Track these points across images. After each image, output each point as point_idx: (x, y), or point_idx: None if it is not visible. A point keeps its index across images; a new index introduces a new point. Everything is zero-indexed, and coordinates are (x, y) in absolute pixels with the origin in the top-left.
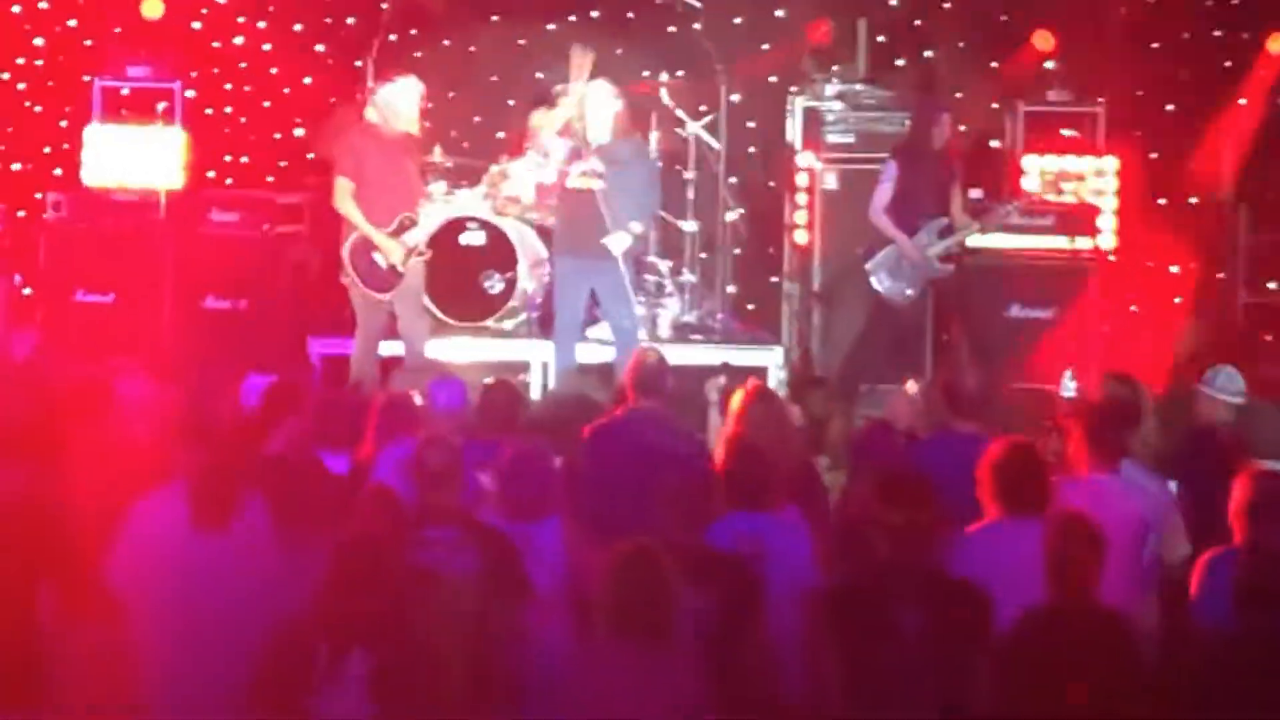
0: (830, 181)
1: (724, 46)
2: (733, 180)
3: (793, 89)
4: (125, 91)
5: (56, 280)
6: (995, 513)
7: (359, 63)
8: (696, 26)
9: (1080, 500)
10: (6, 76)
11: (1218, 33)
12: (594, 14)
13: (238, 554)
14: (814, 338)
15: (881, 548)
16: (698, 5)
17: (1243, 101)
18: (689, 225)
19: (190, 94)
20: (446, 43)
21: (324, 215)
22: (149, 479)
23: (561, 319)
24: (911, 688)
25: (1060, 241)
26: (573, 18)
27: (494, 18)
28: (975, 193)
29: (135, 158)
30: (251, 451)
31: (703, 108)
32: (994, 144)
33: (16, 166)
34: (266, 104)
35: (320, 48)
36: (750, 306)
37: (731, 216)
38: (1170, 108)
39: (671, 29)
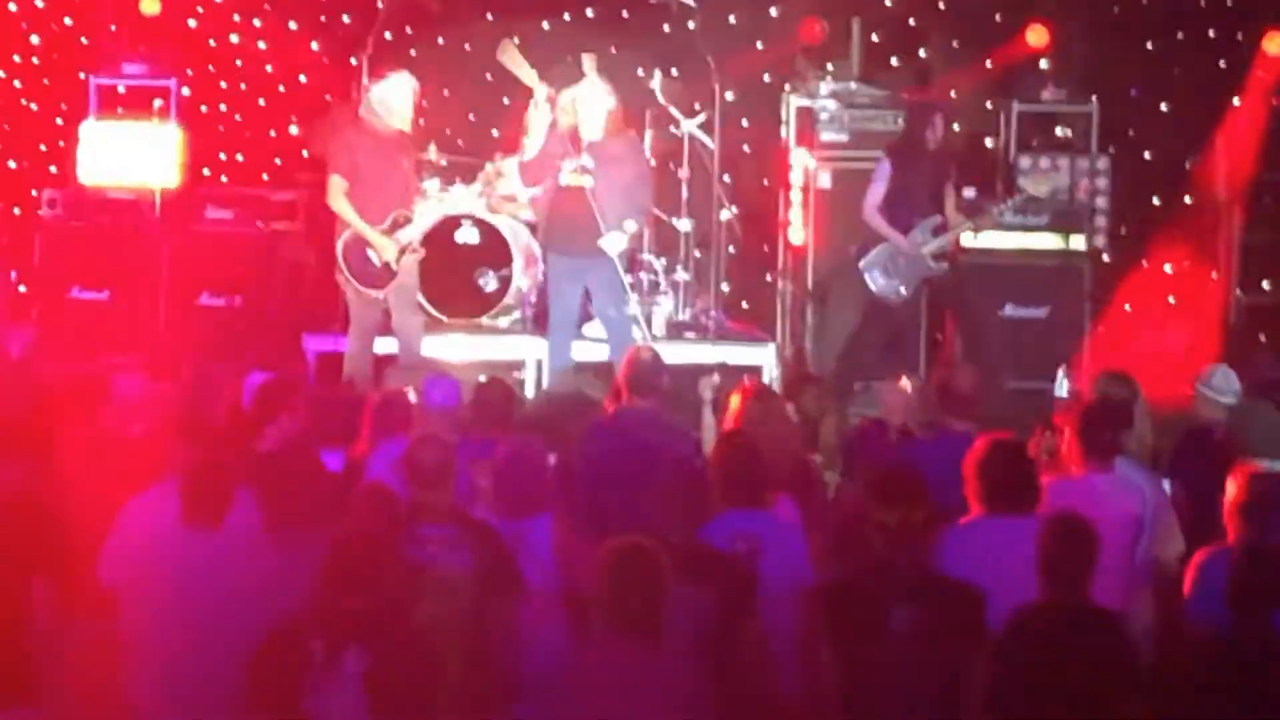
0: (824, 180)
1: (718, 45)
2: (727, 179)
3: (787, 88)
4: (121, 89)
5: (52, 277)
6: (978, 510)
7: (354, 60)
8: (691, 25)
9: (1073, 499)
10: (2, 74)
11: (1212, 32)
12: (589, 12)
13: (230, 551)
14: (808, 336)
15: (876, 546)
16: (692, 4)
17: (1237, 101)
18: (683, 223)
19: (186, 91)
20: (441, 40)
21: (319, 213)
22: (144, 476)
23: (555, 316)
24: (906, 685)
25: (1054, 240)
26: (567, 16)
27: (489, 15)
28: (969, 191)
29: (131, 155)
30: (244, 448)
31: (697, 106)
32: (988, 143)
33: (12, 164)
34: (262, 101)
35: (315, 45)
36: (744, 305)
37: (725, 215)
38: (1164, 107)
39: (666, 28)
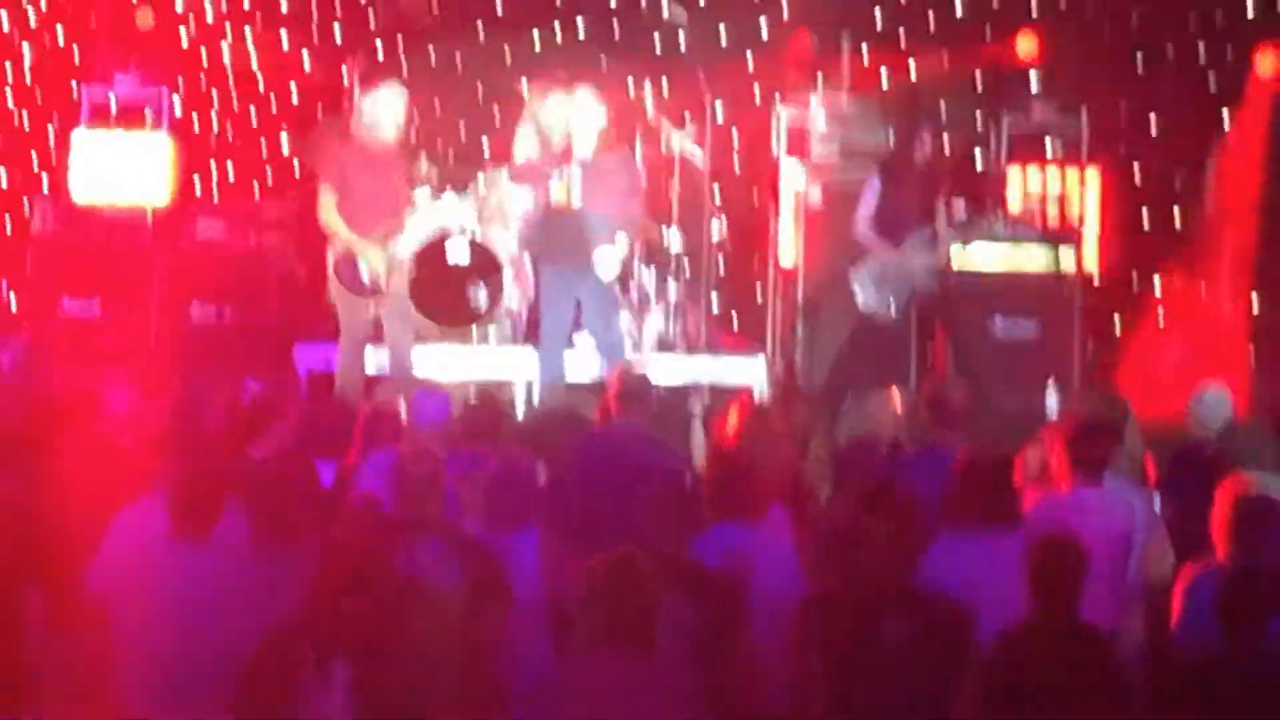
0: (814, 195)
1: (709, 60)
2: (717, 193)
3: (777, 102)
4: (113, 100)
5: (43, 290)
6: (957, 525)
7: (345, 73)
8: (681, 40)
9: (1062, 514)
10: None
11: (1201, 49)
12: (580, 27)
13: (220, 563)
14: (798, 351)
15: (866, 559)
16: (682, 19)
17: (1226, 117)
18: (673, 239)
19: (177, 103)
20: (433, 53)
21: (310, 225)
22: (136, 489)
23: (547, 329)
24: (895, 698)
25: (1044, 256)
26: (558, 29)
27: (480, 29)
28: (959, 207)
29: (122, 167)
30: (235, 459)
31: (687, 120)
32: (978, 157)
33: (3, 174)
34: (253, 113)
35: (307, 58)
36: (734, 319)
37: (715, 230)
38: (1154, 123)
39: (656, 42)
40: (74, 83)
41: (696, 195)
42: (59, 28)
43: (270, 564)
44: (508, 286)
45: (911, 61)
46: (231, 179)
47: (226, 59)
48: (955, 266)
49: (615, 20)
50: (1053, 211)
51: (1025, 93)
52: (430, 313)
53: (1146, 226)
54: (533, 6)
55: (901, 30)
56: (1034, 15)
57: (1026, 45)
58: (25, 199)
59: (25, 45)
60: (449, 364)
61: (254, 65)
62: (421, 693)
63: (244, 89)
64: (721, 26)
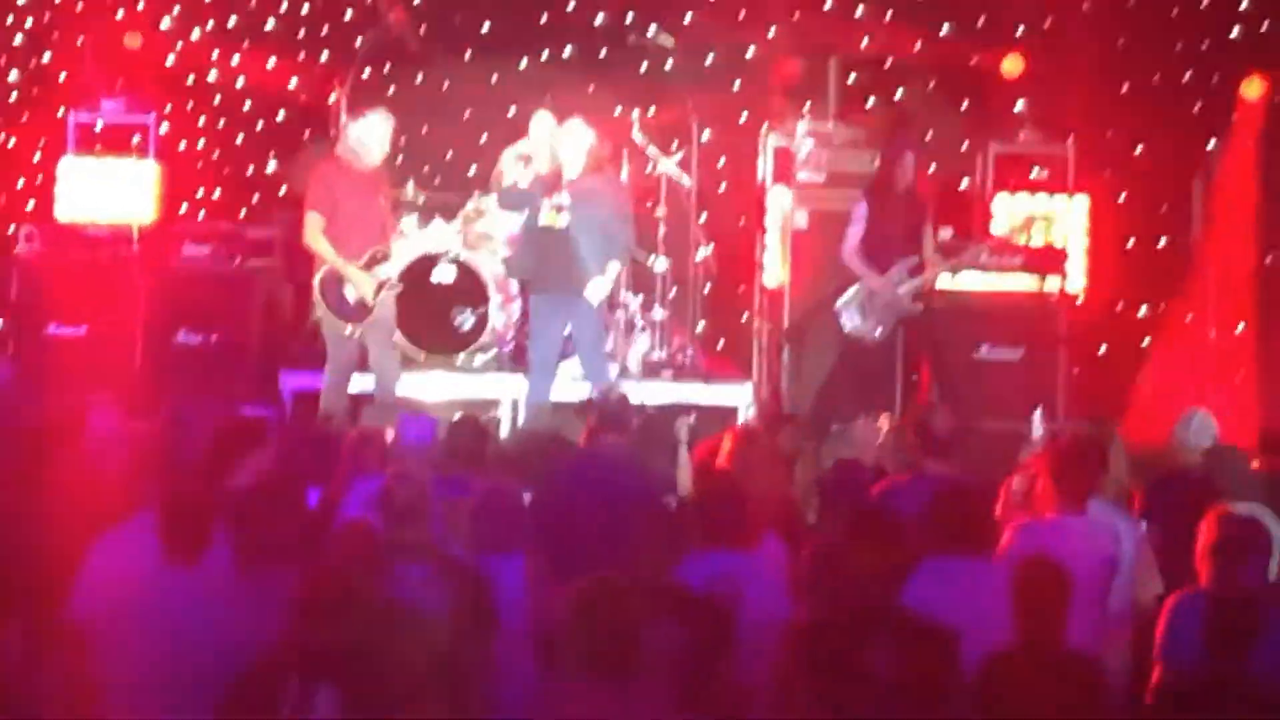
0: (801, 220)
1: (695, 84)
2: (703, 217)
3: (764, 127)
4: (99, 125)
5: (29, 313)
6: (943, 550)
7: (332, 98)
8: (668, 65)
9: (1046, 541)
10: None
11: (1187, 75)
12: (566, 51)
13: (207, 588)
14: (784, 376)
15: (853, 585)
16: (669, 44)
17: (1213, 144)
18: (659, 262)
19: (164, 128)
20: (420, 78)
21: (296, 249)
22: (121, 513)
23: (535, 355)
24: None
25: (1029, 282)
26: (545, 55)
27: (467, 54)
28: (945, 232)
29: (108, 191)
30: (218, 485)
31: (674, 145)
32: (964, 184)
33: None
34: (240, 138)
35: (293, 83)
36: (720, 344)
37: (702, 254)
38: (1140, 149)
39: (643, 67)
40: (61, 108)
41: (683, 219)
42: (46, 54)
43: (255, 589)
44: (494, 312)
45: (898, 88)
46: (217, 204)
47: (213, 82)
48: (941, 292)
49: (602, 44)
50: (1038, 237)
51: (1011, 119)
52: (416, 337)
53: (1132, 252)
54: (520, 30)
55: (888, 56)
56: (1020, 42)
57: (1012, 64)
58: (11, 223)
59: (12, 71)
60: (434, 387)
61: (240, 91)
62: (407, 718)
63: (231, 115)
64: (708, 51)
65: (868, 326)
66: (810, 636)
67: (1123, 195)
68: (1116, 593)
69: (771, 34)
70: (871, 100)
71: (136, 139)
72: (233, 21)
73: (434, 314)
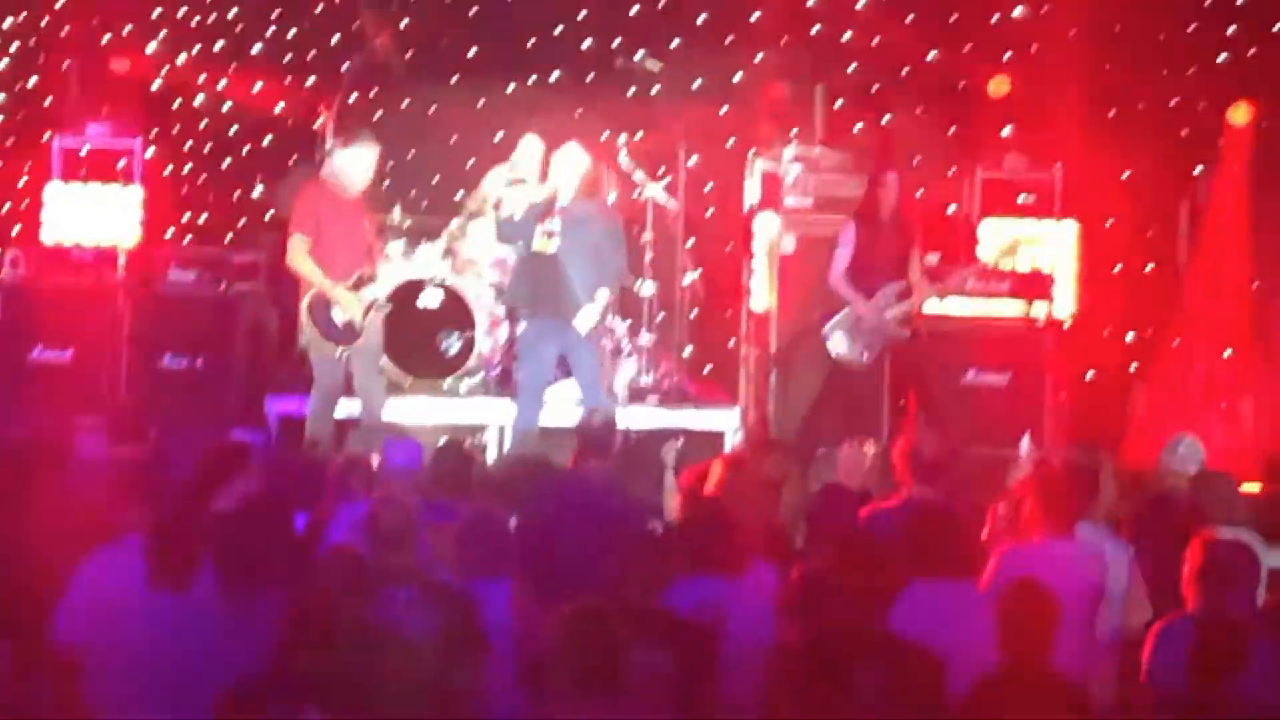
0: (788, 244)
1: (682, 109)
2: (690, 242)
3: (751, 152)
4: (85, 150)
5: (14, 337)
6: (929, 574)
7: (319, 122)
8: (655, 89)
9: (1031, 565)
10: None
11: (1174, 101)
12: (553, 76)
13: (194, 613)
14: (770, 400)
15: (837, 609)
16: (656, 68)
17: (1198, 171)
18: (646, 287)
19: (150, 152)
20: (407, 103)
21: (282, 274)
22: (105, 538)
23: (524, 379)
24: None
25: (1016, 307)
26: (532, 80)
27: (454, 78)
28: (932, 257)
29: (94, 215)
30: (203, 510)
31: (661, 170)
32: (951, 209)
33: None
34: (226, 163)
35: (280, 107)
36: (707, 369)
37: (689, 279)
38: (1127, 174)
39: (630, 91)
40: (46, 134)
41: (669, 244)
42: (31, 79)
43: (242, 613)
44: (480, 336)
45: (885, 113)
46: (203, 229)
47: (199, 106)
48: (928, 316)
49: (589, 69)
50: (1025, 262)
51: (998, 144)
52: (402, 362)
53: (1119, 277)
54: (506, 55)
55: (875, 82)
56: (1007, 67)
57: (998, 85)
58: None
59: None
60: (421, 411)
61: (226, 116)
62: None
63: (216, 139)
64: (695, 76)
65: (855, 351)
66: (797, 660)
67: (1110, 220)
68: (1105, 618)
69: (759, 59)
70: (859, 125)
71: (122, 164)
72: (219, 46)
73: (420, 338)
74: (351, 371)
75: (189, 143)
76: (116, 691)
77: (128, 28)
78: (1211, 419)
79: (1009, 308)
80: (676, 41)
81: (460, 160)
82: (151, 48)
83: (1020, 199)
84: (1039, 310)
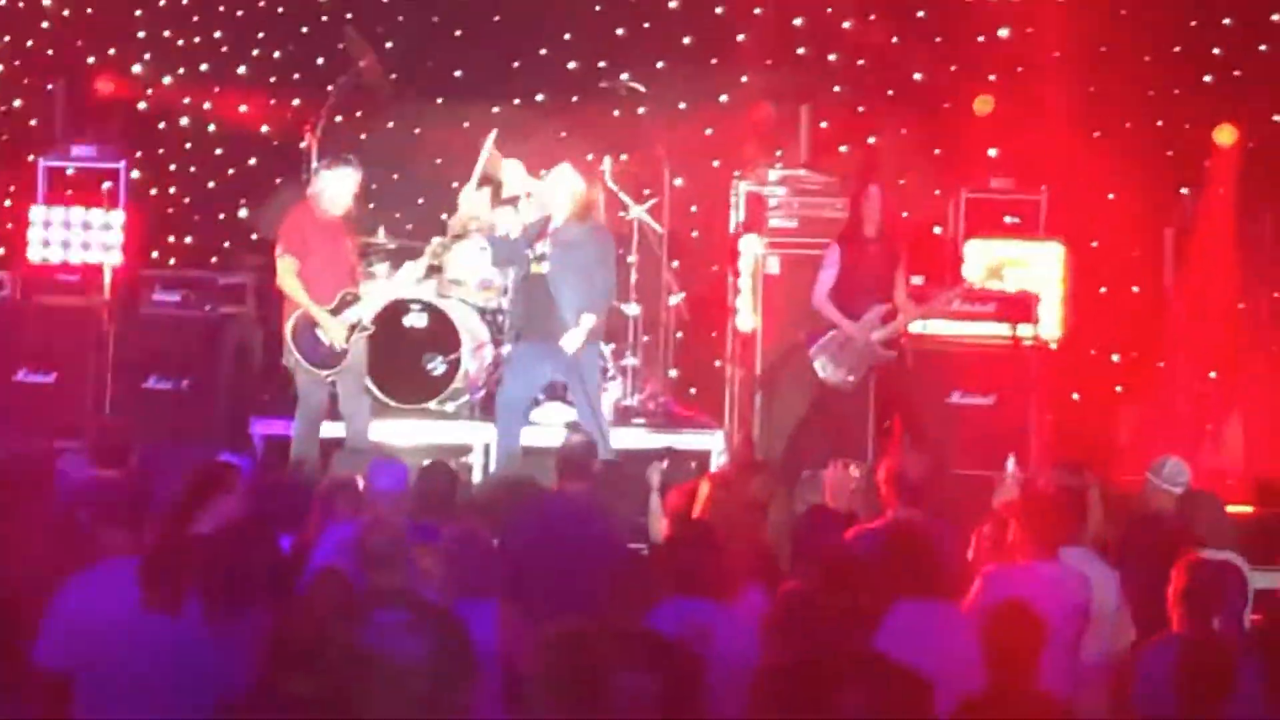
0: (773, 266)
1: (668, 130)
2: (675, 264)
3: (736, 173)
4: (70, 171)
5: None
6: (914, 595)
7: (304, 143)
8: (641, 110)
9: (1016, 587)
10: None
11: (1160, 122)
12: (538, 97)
13: (183, 635)
14: (756, 422)
15: (823, 630)
16: (642, 89)
17: (1184, 191)
18: (631, 308)
19: (135, 174)
20: (391, 124)
21: (267, 295)
22: (87, 560)
23: (508, 397)
24: None
25: (1002, 328)
26: (517, 101)
27: (439, 100)
28: (918, 278)
29: (79, 237)
30: (188, 532)
31: (646, 191)
32: (937, 230)
33: None
34: (211, 184)
35: (265, 129)
36: (692, 390)
37: (674, 300)
38: (1112, 196)
39: (616, 113)
40: (31, 155)
41: (655, 265)
42: (16, 100)
43: (228, 635)
44: (466, 357)
45: (870, 134)
46: (188, 250)
47: (185, 127)
48: (913, 337)
49: (575, 91)
50: (1011, 284)
51: (984, 165)
52: (387, 384)
53: (1104, 298)
54: (492, 76)
55: (860, 103)
56: (992, 88)
57: (983, 104)
58: None
59: None
60: (406, 432)
61: (211, 137)
62: None
63: (202, 161)
64: (680, 97)
65: (840, 373)
66: (782, 681)
67: (1095, 241)
68: (1092, 640)
69: (744, 80)
70: (844, 147)
71: (108, 185)
72: (204, 67)
73: (405, 360)
74: (336, 393)
75: (174, 164)
76: (104, 714)
77: (113, 49)
78: (1197, 440)
79: (995, 329)
80: (661, 63)
81: (445, 181)
82: (137, 69)
83: (1006, 220)
84: (1024, 331)
